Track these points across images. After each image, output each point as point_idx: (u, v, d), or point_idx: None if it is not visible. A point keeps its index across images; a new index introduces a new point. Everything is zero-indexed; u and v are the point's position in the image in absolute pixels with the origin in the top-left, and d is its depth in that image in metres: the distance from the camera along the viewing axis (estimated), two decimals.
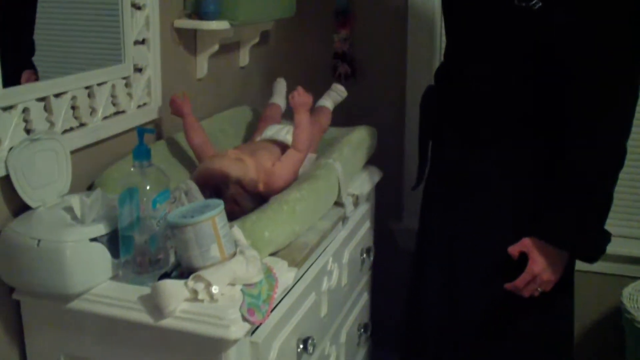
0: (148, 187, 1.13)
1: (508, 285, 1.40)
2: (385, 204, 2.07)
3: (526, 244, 1.38)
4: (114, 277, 1.17)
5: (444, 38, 1.74)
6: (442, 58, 1.59)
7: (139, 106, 1.51)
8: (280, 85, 1.93)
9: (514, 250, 1.40)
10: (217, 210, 1.13)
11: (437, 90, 1.57)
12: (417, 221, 1.68)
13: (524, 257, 1.39)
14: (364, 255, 1.72)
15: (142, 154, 1.13)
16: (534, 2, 1.29)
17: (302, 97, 1.52)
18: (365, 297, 1.83)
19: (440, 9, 1.64)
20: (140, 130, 1.14)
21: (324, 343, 1.47)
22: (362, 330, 1.76)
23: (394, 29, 2.14)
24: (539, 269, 1.37)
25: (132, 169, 1.14)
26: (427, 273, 1.59)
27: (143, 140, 1.14)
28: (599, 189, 1.33)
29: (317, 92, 1.97)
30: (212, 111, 1.85)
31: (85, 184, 1.38)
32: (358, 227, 1.69)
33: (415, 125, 1.81)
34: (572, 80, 1.31)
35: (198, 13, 1.65)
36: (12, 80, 1.15)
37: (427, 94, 1.61)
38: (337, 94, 1.88)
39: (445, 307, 1.54)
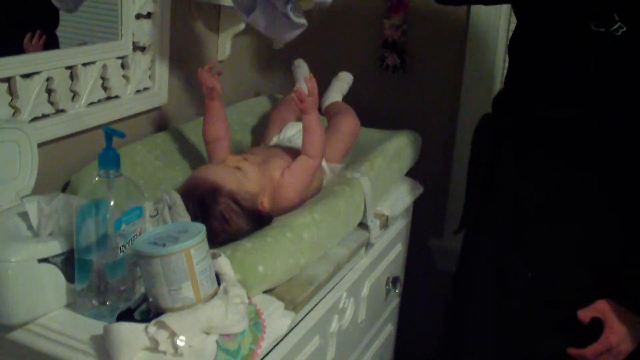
0: (113, 203, 0.91)
1: (573, 352, 1.16)
2: (424, 218, 1.80)
3: (601, 309, 1.13)
4: (70, 305, 0.96)
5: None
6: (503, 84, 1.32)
7: (137, 91, 1.29)
8: (302, 67, 1.66)
9: (585, 316, 1.14)
10: (194, 239, 0.89)
11: (495, 121, 1.30)
12: (459, 240, 1.41)
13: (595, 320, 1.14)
14: (389, 285, 1.46)
15: (109, 160, 0.91)
16: (615, 26, 1.03)
17: (313, 97, 1.22)
18: (389, 329, 1.58)
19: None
20: (108, 131, 0.91)
21: None
22: None
23: (454, 22, 1.85)
24: (617, 339, 1.11)
25: (96, 179, 0.92)
26: (472, 310, 1.33)
27: (111, 144, 0.91)
28: None
29: (360, 83, 1.72)
30: (233, 98, 1.62)
31: (62, 181, 1.17)
32: (385, 253, 1.44)
33: (467, 132, 1.53)
34: None
35: None
36: None
37: (482, 126, 1.33)
38: (346, 83, 1.65)
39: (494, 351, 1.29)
